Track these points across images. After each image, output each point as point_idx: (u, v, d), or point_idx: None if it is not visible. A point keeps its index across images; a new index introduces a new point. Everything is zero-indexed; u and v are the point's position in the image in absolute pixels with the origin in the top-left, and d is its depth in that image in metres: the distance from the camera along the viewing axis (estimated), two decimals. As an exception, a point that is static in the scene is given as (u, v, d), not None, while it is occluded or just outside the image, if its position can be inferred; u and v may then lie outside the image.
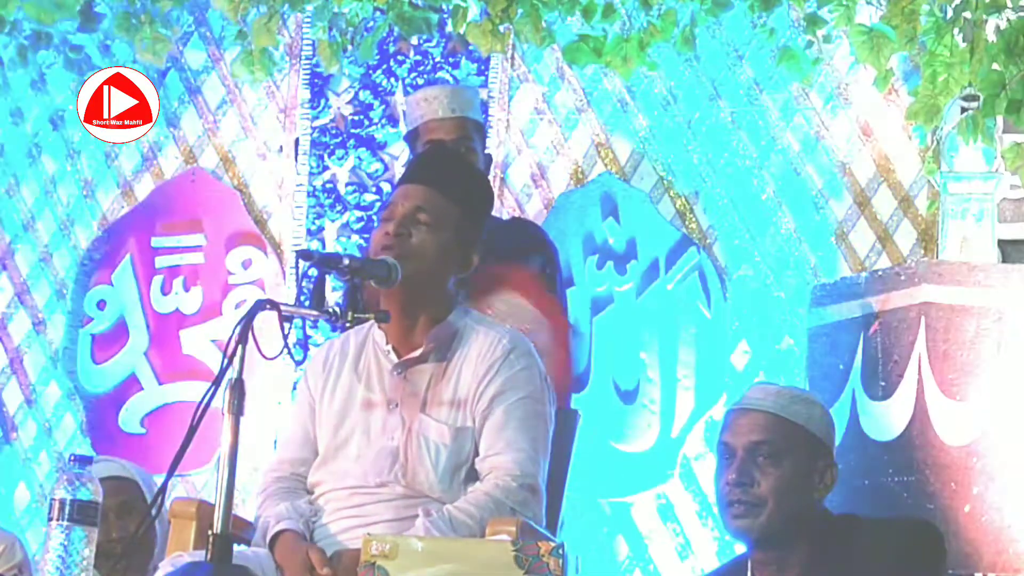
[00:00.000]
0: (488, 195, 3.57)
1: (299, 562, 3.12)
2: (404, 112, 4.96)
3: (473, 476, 3.25)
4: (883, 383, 4.51)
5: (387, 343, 3.33)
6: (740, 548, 3.14)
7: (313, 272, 3.11)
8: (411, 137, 4.40)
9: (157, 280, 5.77)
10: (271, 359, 3.02)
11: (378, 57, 5.59)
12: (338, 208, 5.71)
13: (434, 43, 5.69)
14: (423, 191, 3.34)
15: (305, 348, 3.19)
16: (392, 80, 5.73)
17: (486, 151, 4.44)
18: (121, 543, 3.67)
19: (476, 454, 3.26)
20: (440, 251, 3.29)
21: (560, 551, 2.67)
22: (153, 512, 3.03)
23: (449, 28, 5.40)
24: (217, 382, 2.87)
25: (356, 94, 5.76)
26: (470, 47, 5.51)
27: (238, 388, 2.86)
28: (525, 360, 3.32)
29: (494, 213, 4.46)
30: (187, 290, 5.76)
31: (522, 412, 3.26)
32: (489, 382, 3.26)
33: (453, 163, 3.60)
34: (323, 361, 3.41)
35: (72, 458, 2.97)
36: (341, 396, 3.35)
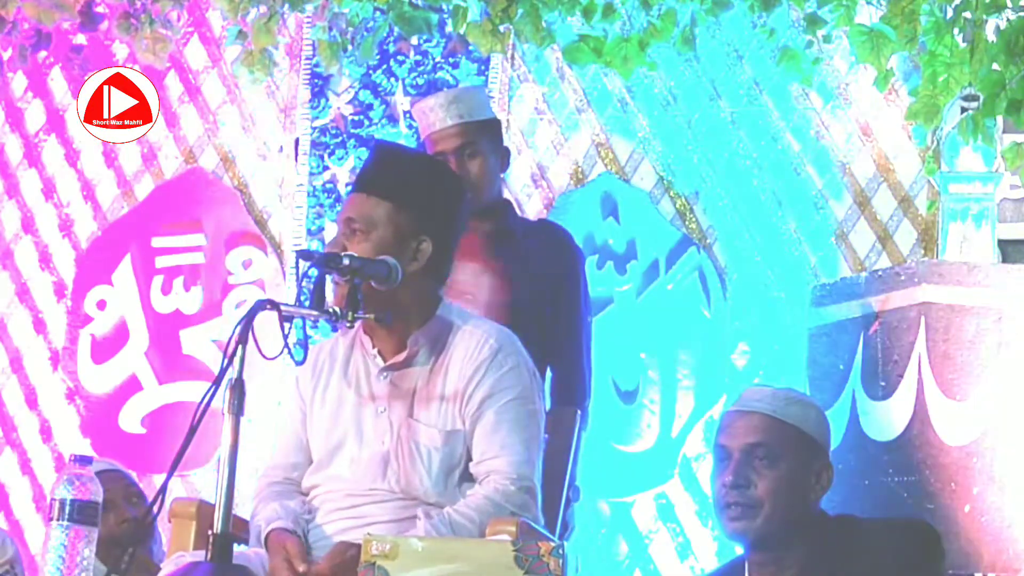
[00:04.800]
0: (432, 180, 3.35)
1: (279, 555, 3.12)
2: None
3: (467, 478, 3.24)
4: (883, 383, 4.50)
5: (373, 347, 3.31)
6: (739, 549, 3.14)
7: (313, 272, 3.11)
8: (423, 147, 4.38)
9: (157, 280, 5.77)
10: (271, 359, 3.02)
11: (378, 57, 5.59)
12: (338, 208, 5.71)
13: (434, 43, 5.69)
14: (353, 199, 3.30)
15: (305, 348, 3.18)
16: (392, 80, 5.73)
17: (501, 147, 4.37)
18: (133, 523, 3.68)
19: (468, 457, 3.24)
20: (377, 255, 3.19)
21: (560, 551, 2.67)
22: (155, 508, 3.02)
23: (449, 28, 5.40)
24: (217, 382, 2.87)
25: (356, 94, 5.76)
26: (470, 47, 5.51)
27: (238, 388, 2.86)
28: (513, 359, 3.28)
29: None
30: (187, 290, 5.76)
31: (514, 414, 3.23)
32: (478, 384, 3.23)
33: (382, 159, 3.39)
34: (312, 365, 3.38)
35: (72, 458, 2.97)
36: (332, 400, 3.33)
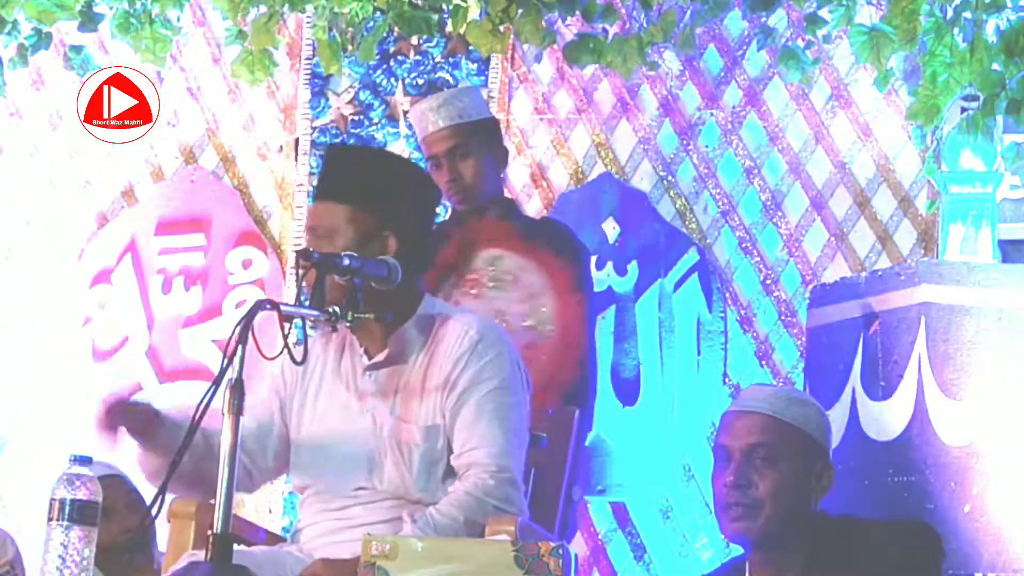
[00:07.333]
0: (388, 175, 3.32)
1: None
2: None
3: (450, 472, 3.22)
4: (883, 383, 4.50)
5: (360, 345, 3.31)
6: (739, 549, 3.14)
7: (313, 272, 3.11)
8: (421, 150, 4.43)
9: (157, 280, 5.77)
10: (271, 359, 3.02)
11: (378, 57, 5.59)
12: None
13: (434, 43, 5.69)
14: (313, 209, 3.32)
15: (305, 348, 3.18)
16: (392, 80, 5.73)
17: (497, 146, 4.38)
18: (136, 531, 3.68)
19: (450, 450, 3.22)
20: None
21: (560, 551, 2.66)
22: (155, 509, 3.02)
23: (449, 28, 5.40)
24: (217, 382, 2.87)
25: (356, 94, 5.76)
26: (470, 47, 5.51)
27: (238, 388, 2.86)
28: (494, 349, 3.25)
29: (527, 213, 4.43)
30: (187, 290, 5.75)
31: (494, 404, 3.21)
32: (458, 376, 3.21)
33: (334, 164, 3.38)
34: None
35: (72, 458, 2.97)
36: (324, 397, 3.34)
